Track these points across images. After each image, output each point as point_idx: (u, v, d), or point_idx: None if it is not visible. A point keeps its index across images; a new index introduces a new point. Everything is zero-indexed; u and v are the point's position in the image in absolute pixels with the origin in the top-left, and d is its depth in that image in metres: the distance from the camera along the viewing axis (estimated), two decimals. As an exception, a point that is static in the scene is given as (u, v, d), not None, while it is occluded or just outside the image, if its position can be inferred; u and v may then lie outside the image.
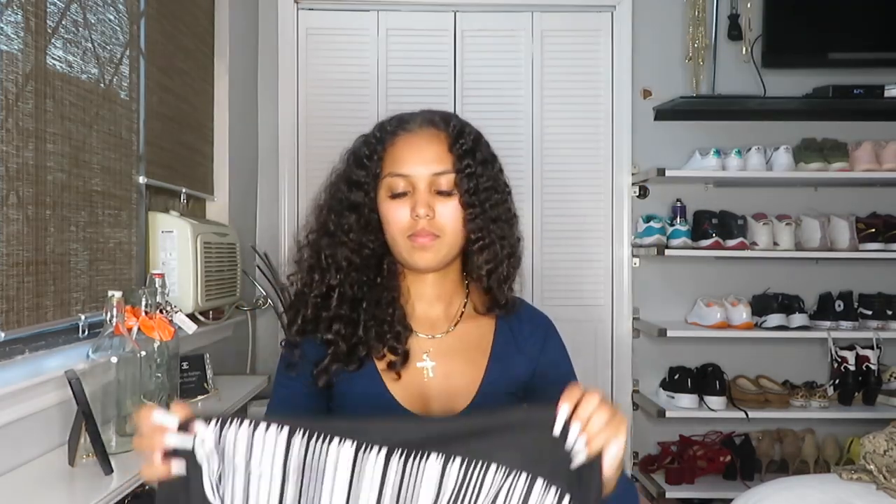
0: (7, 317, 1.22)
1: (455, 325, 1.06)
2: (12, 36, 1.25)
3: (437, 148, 1.01)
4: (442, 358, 1.03)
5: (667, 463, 2.68)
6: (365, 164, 1.02)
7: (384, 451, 0.71)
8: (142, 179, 1.74)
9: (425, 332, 1.05)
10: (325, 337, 1.01)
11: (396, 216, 1.00)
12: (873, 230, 2.64)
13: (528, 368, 1.06)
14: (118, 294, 1.28)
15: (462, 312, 1.07)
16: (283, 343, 1.07)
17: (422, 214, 0.98)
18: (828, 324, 2.65)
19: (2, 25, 1.21)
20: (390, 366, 1.00)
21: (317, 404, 1.03)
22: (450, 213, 1.00)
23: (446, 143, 1.01)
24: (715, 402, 2.58)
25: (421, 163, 1.00)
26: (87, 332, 1.43)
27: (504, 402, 1.02)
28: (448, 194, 1.00)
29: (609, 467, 0.72)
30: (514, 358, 1.06)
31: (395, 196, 1.00)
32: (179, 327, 1.61)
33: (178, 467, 0.72)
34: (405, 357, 1.01)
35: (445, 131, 1.03)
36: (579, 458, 0.71)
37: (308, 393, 1.02)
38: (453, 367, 1.03)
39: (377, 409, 0.99)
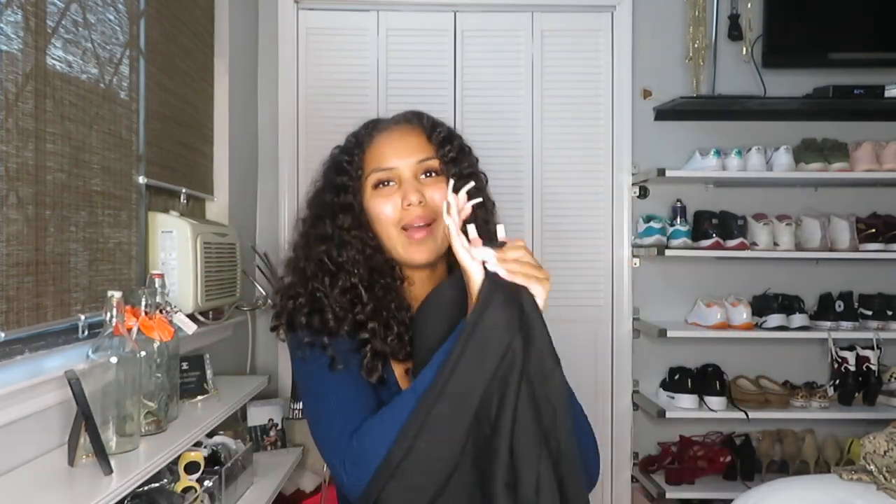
0: (7, 317, 1.21)
1: None
2: (12, 36, 1.25)
3: (417, 139, 1.05)
4: None
5: (667, 463, 2.67)
6: (346, 169, 1.04)
7: None
8: (142, 179, 1.74)
9: None
10: (362, 337, 0.99)
11: (386, 209, 1.02)
12: (873, 230, 2.64)
13: None
14: (118, 294, 1.28)
15: None
16: (302, 347, 1.01)
17: (414, 202, 0.99)
18: (828, 324, 2.65)
19: (2, 25, 1.21)
20: (408, 371, 1.00)
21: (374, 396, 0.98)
22: (441, 196, 1.01)
23: (424, 135, 1.05)
24: (715, 402, 2.58)
25: (403, 154, 1.02)
26: (86, 333, 1.43)
27: None
28: (436, 175, 1.03)
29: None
30: None
31: (382, 187, 1.02)
32: (179, 327, 1.60)
33: None
34: None
35: (420, 125, 1.07)
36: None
37: (367, 384, 0.97)
38: None
39: None
